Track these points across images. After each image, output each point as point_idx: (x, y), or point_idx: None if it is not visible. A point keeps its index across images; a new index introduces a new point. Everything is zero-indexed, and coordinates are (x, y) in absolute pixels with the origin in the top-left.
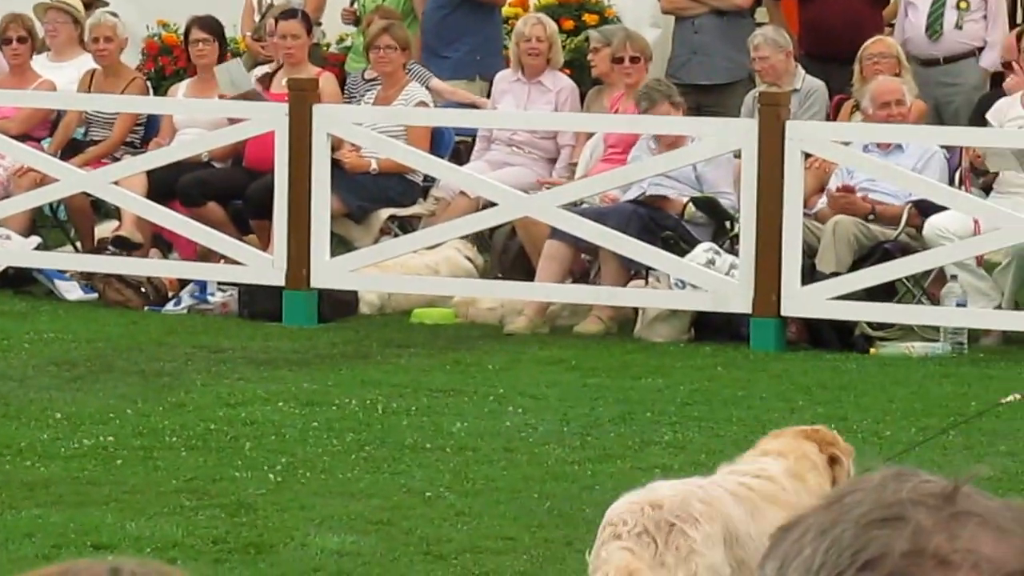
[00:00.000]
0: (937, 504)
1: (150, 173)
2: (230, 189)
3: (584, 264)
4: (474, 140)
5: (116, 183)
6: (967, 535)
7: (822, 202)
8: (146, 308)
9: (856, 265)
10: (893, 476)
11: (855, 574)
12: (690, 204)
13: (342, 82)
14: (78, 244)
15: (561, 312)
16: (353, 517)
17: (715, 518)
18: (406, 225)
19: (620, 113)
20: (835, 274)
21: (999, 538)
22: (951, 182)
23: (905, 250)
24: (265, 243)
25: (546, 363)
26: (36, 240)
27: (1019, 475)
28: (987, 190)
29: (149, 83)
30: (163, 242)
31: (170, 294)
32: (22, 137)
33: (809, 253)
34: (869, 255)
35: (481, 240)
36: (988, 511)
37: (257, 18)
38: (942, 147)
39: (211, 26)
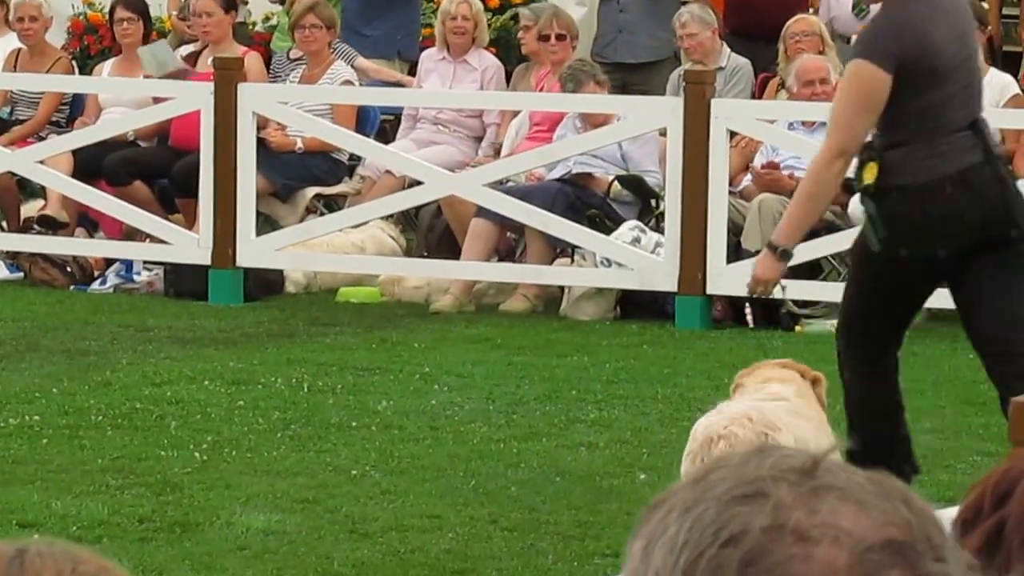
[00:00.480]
0: (797, 479)
1: (75, 152)
2: (156, 168)
3: (510, 242)
4: (399, 119)
5: (42, 162)
6: (827, 509)
7: (747, 180)
8: (72, 287)
9: None
10: (755, 452)
11: (717, 551)
12: (616, 182)
13: (268, 61)
14: (3, 223)
15: (487, 290)
16: (279, 496)
17: (789, 428)
18: (332, 204)
19: (546, 91)
20: (760, 252)
21: (859, 511)
22: None
23: (830, 228)
24: (191, 222)
25: (472, 341)
26: None
27: (943, 452)
28: None
29: (75, 62)
30: (89, 221)
31: (96, 273)
32: None
33: (735, 231)
34: None
35: (407, 219)
36: (848, 484)
37: None
38: None
39: (136, 5)
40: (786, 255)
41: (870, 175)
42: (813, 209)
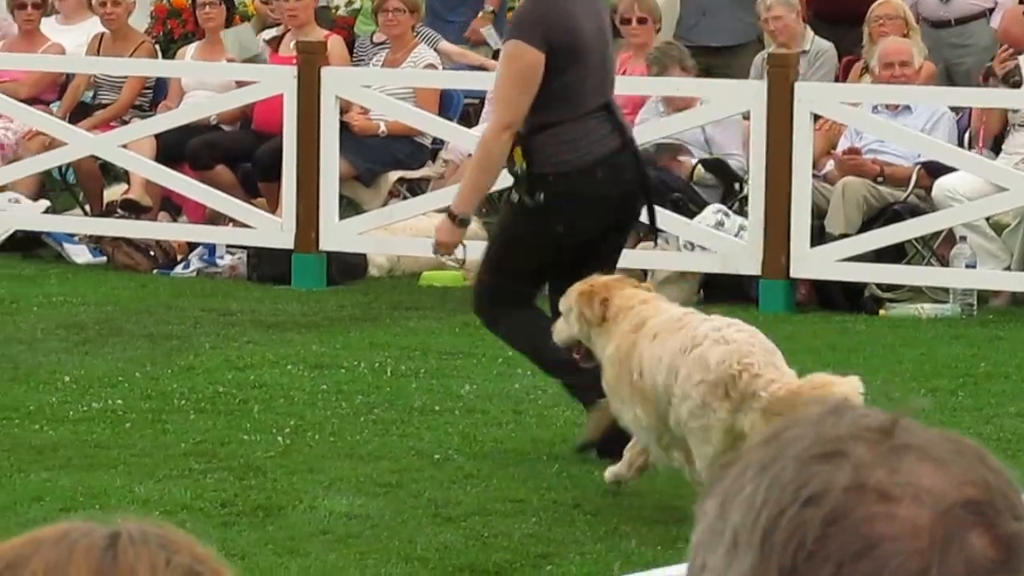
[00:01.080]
0: (876, 438)
1: (159, 136)
2: (239, 152)
3: None
4: (483, 102)
5: (125, 146)
6: (907, 468)
7: (831, 164)
8: (155, 271)
9: (865, 227)
10: (831, 411)
11: (798, 510)
12: (699, 166)
13: (351, 45)
14: (87, 207)
15: None
16: (362, 480)
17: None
18: (415, 187)
19: (628, 74)
20: (844, 236)
21: (938, 470)
22: (960, 143)
23: (914, 211)
24: (274, 206)
25: None
26: (45, 204)
27: None
28: (996, 151)
29: (158, 47)
30: (172, 205)
31: (179, 257)
32: (31, 101)
33: (818, 215)
34: (878, 217)
35: (490, 202)
36: (927, 443)
37: None
38: (951, 108)
39: None
40: (464, 222)
41: (517, 159)
42: (485, 179)
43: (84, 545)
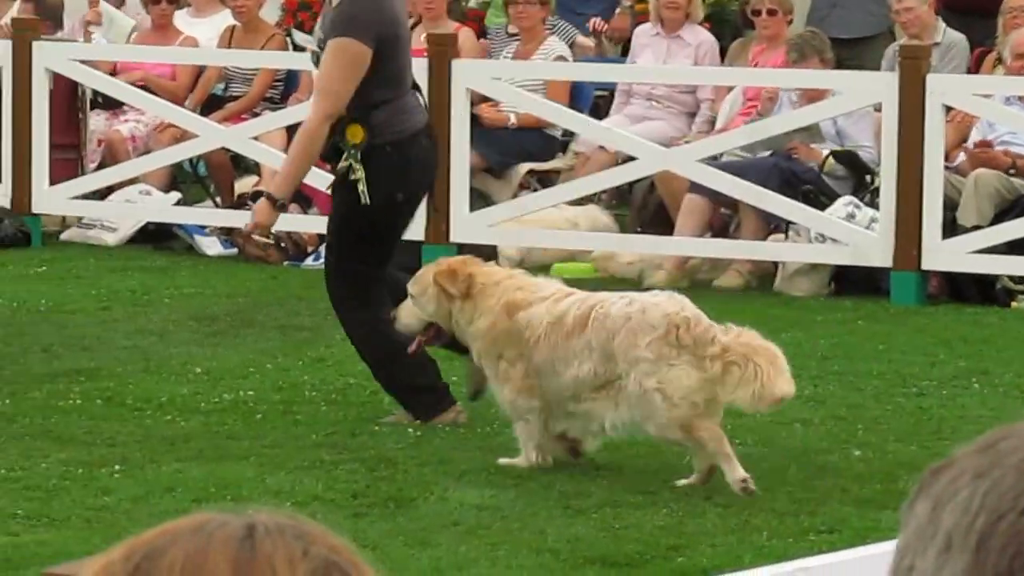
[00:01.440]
0: None
1: (290, 128)
2: None
3: (723, 218)
4: (612, 95)
5: (256, 138)
6: None
7: (963, 156)
8: (285, 263)
9: (998, 219)
10: None
11: (1017, 517)
12: (830, 158)
13: (481, 37)
14: (218, 199)
15: (701, 266)
16: (492, 471)
17: None
18: (545, 180)
19: (760, 67)
20: (976, 227)
21: None
22: None
23: None
24: None
25: None
26: (176, 196)
27: None
28: None
29: (288, 39)
30: (302, 197)
31: (309, 249)
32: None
33: (950, 206)
34: (1011, 208)
35: (620, 194)
36: None
37: None
38: None
39: None
40: (283, 206)
41: (356, 136)
42: (305, 166)
43: (222, 536)
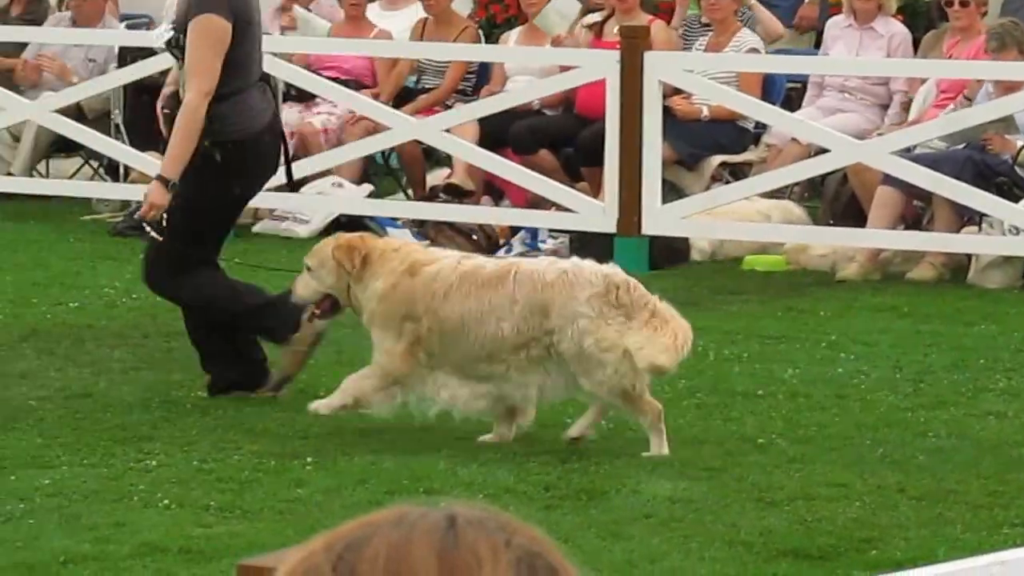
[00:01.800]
0: None
1: (482, 121)
2: (562, 136)
3: (916, 210)
4: (805, 86)
5: (448, 131)
6: None
7: None
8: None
9: None
10: None
11: None
12: None
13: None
14: (410, 192)
15: (893, 259)
16: (685, 464)
17: None
18: (738, 172)
19: (953, 58)
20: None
21: None
22: None
23: None
24: (596, 190)
25: (878, 310)
26: (368, 188)
27: None
28: None
29: (481, 31)
30: (494, 189)
31: (501, 241)
32: (354, 85)
33: None
34: None
35: (812, 186)
36: None
37: None
38: None
39: None
40: (174, 186)
41: None
42: (190, 145)
43: (424, 526)
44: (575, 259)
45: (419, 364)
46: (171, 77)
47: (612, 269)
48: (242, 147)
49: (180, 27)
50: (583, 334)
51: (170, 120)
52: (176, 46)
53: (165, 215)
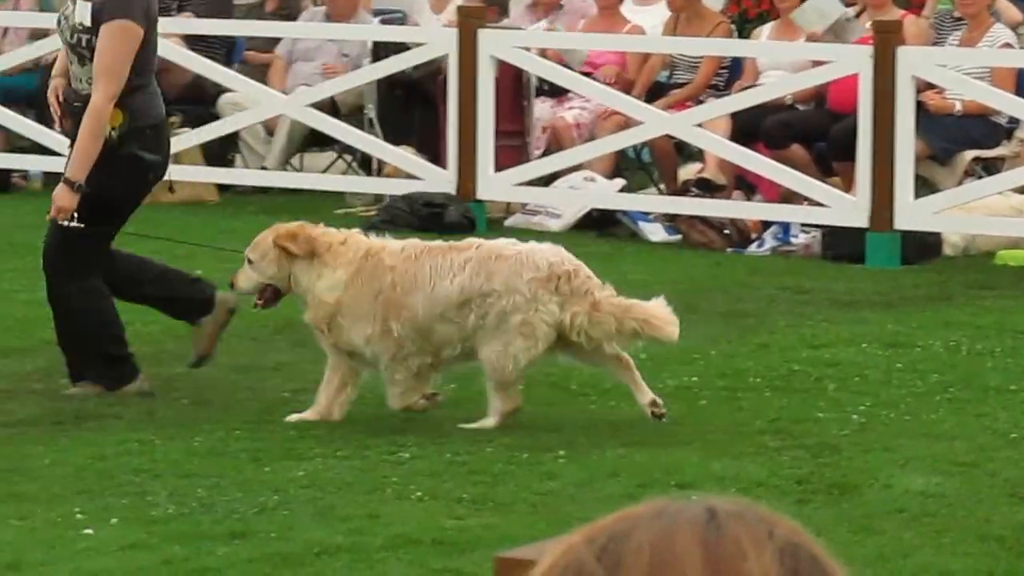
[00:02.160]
0: None
1: (734, 115)
2: (813, 131)
3: None
4: None
5: (700, 126)
6: None
7: None
8: (729, 250)
9: None
10: None
11: None
12: None
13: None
14: (662, 186)
15: None
16: (937, 459)
17: None
18: (990, 167)
19: None
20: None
21: None
22: None
23: None
24: (848, 185)
25: None
26: (620, 182)
27: None
28: None
29: (733, 26)
30: (746, 184)
31: (753, 236)
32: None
33: None
34: None
35: None
36: None
37: None
38: None
39: None
40: (80, 187)
41: (115, 120)
42: (96, 147)
43: (686, 518)
44: (533, 243)
45: (396, 341)
46: (59, 68)
47: (559, 257)
48: (158, 131)
49: (80, 22)
50: (514, 310)
51: (70, 110)
52: (85, 46)
53: (75, 214)
